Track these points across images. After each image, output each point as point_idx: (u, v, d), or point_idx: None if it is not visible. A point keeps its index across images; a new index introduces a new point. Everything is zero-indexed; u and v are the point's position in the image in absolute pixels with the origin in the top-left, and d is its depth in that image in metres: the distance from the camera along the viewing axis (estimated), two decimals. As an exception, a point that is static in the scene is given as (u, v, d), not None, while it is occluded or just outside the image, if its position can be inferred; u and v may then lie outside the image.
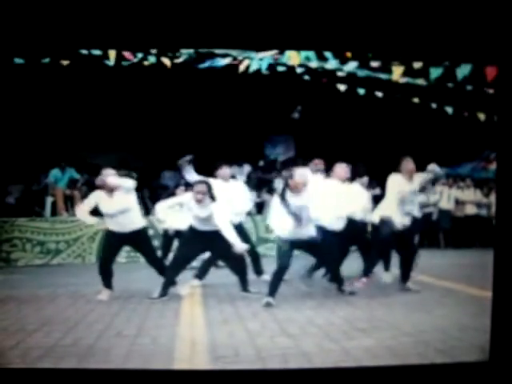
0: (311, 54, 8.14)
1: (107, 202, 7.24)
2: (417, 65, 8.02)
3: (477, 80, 7.92)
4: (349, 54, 8.02)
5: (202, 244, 7.18)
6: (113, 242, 7.41)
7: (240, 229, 7.88)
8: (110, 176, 7.20)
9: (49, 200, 12.58)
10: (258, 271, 8.51)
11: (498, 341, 4.06)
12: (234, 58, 8.54)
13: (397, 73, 8.06)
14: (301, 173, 6.89)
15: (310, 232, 6.86)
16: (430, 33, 4.32)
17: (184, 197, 7.44)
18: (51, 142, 14.51)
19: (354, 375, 4.27)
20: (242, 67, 8.54)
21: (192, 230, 7.24)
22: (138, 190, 12.45)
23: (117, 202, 7.20)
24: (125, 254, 10.88)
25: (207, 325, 5.82)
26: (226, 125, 15.57)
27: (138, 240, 7.49)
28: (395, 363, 4.43)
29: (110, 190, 7.21)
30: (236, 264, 7.21)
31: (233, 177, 9.09)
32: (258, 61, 8.43)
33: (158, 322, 5.91)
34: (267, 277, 7.75)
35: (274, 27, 4.41)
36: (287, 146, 17.18)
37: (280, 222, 6.81)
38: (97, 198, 7.35)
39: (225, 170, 8.49)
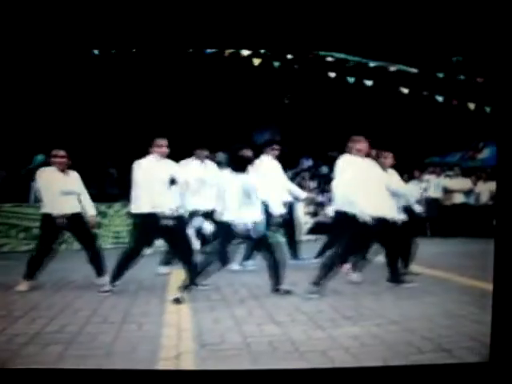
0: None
1: (60, 180, 7.09)
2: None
3: (468, 70, 7.94)
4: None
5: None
6: (53, 227, 7.01)
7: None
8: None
9: (34, 186, 12.48)
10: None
11: (498, 341, 4.05)
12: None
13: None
14: None
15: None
16: (429, 32, 4.31)
17: None
18: (35, 128, 14.42)
19: (349, 374, 4.26)
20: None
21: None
22: (123, 176, 12.41)
23: (72, 181, 7.21)
24: (110, 240, 10.86)
25: (193, 312, 5.80)
26: (214, 113, 15.54)
27: (81, 223, 7.25)
28: (382, 351, 4.43)
29: (65, 168, 7.13)
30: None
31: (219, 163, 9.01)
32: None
33: (144, 309, 5.88)
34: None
35: (271, 25, 4.38)
36: (273, 134, 17.21)
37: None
38: (45, 174, 7.17)
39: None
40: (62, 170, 7.13)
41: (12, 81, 12.48)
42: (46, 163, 7.53)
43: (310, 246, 9.54)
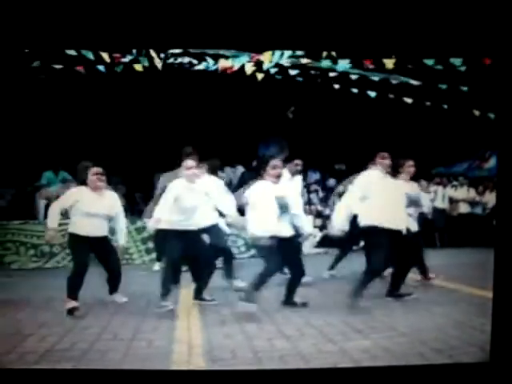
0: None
1: (95, 201, 6.77)
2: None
3: (472, 79, 7.94)
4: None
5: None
6: (84, 247, 6.76)
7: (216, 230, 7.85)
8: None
9: (42, 203, 12.50)
10: (229, 275, 8.02)
11: (498, 341, 4.05)
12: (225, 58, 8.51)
13: (389, 64, 8.02)
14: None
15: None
16: (427, 30, 4.32)
17: None
18: (43, 144, 14.46)
19: (353, 375, 4.26)
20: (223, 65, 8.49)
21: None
22: (131, 194, 12.45)
23: (107, 204, 6.89)
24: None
25: (204, 327, 5.80)
26: (219, 126, 15.56)
27: (107, 246, 6.97)
28: (393, 363, 4.42)
29: (101, 188, 6.84)
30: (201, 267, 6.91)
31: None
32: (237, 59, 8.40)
33: (154, 325, 5.87)
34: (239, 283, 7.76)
35: (268, 27, 4.40)
36: (281, 147, 17.18)
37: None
38: (78, 194, 6.83)
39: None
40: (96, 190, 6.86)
41: (19, 96, 12.54)
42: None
43: (319, 259, 9.52)
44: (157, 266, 10.66)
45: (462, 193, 14.53)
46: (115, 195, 7.12)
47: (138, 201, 13.39)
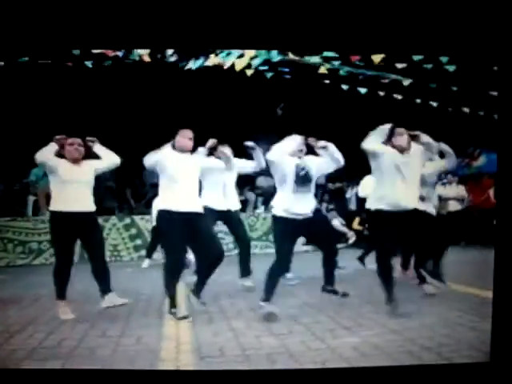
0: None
1: (72, 169, 6.38)
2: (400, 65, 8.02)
3: (462, 77, 7.94)
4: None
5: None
6: (67, 229, 6.23)
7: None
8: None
9: (30, 199, 12.46)
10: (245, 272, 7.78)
11: (499, 341, 4.05)
12: (216, 54, 8.47)
13: (376, 60, 8.00)
14: None
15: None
16: (416, 27, 4.32)
17: None
18: (31, 141, 14.38)
19: (354, 375, 4.26)
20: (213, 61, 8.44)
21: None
22: (122, 189, 12.41)
23: (86, 170, 6.47)
24: (108, 253, 10.77)
25: (192, 324, 5.78)
26: (208, 123, 15.54)
27: (94, 227, 6.49)
28: (382, 361, 4.42)
29: (79, 159, 6.46)
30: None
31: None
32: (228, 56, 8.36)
33: (142, 322, 5.86)
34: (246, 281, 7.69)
35: (257, 25, 4.39)
36: (270, 144, 17.18)
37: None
38: (55, 163, 6.40)
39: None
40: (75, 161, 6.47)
41: (5, 93, 12.47)
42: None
43: (307, 257, 9.50)
44: (145, 264, 10.66)
45: (452, 191, 14.54)
46: (92, 161, 6.64)
47: (127, 197, 13.36)
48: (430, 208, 7.18)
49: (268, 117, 16.31)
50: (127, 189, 14.40)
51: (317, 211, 6.39)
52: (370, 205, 6.26)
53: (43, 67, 8.52)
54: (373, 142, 6.14)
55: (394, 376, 4.17)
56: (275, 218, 6.18)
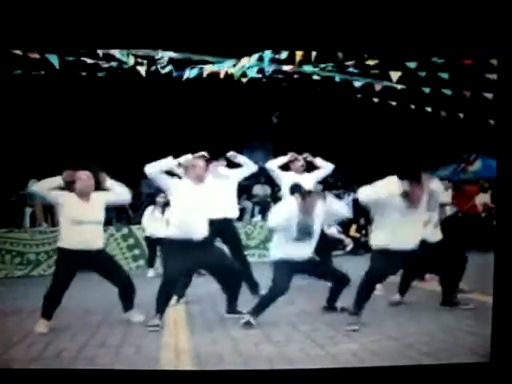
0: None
1: (81, 206, 6.20)
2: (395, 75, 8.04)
3: (457, 82, 7.96)
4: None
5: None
6: (69, 264, 6.16)
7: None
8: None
9: (28, 211, 12.48)
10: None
11: (498, 342, 4.07)
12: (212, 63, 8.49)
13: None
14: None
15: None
16: (410, 30, 4.35)
17: None
18: (28, 153, 14.41)
19: (355, 375, 4.28)
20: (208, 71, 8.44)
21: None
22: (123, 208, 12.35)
23: (95, 207, 6.29)
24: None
25: (191, 333, 5.80)
26: (203, 131, 15.56)
27: (106, 261, 6.45)
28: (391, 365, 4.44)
29: (88, 193, 6.26)
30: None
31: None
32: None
33: (141, 331, 5.86)
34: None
35: (251, 32, 4.42)
36: (265, 152, 17.21)
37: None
38: (62, 198, 6.21)
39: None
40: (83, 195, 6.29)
41: (3, 104, 12.49)
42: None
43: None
44: (150, 273, 10.67)
45: (448, 196, 14.54)
46: (101, 194, 6.43)
47: (125, 207, 13.35)
48: (430, 235, 6.94)
49: (263, 125, 16.35)
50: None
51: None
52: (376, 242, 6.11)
53: (40, 79, 8.53)
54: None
55: (394, 375, 4.19)
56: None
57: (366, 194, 6.01)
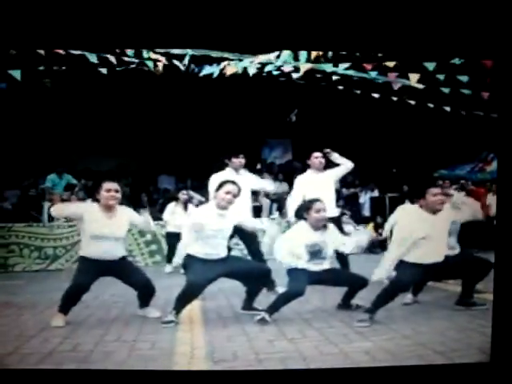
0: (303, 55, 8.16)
1: (103, 223, 6.15)
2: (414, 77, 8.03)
3: (475, 82, 7.93)
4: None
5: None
6: (91, 271, 6.13)
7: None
8: None
9: (46, 205, 12.58)
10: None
11: (499, 341, 4.07)
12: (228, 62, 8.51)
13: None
14: None
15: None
16: (428, 31, 4.34)
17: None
18: (48, 148, 14.54)
19: (354, 376, 4.28)
20: (230, 71, 8.46)
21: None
22: (137, 194, 12.49)
23: (117, 224, 6.23)
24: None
25: (206, 329, 5.83)
26: (222, 129, 15.59)
27: (126, 267, 6.43)
28: (395, 365, 4.44)
29: (113, 207, 6.19)
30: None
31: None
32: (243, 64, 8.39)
33: (156, 327, 5.90)
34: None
35: (271, 29, 4.43)
36: (284, 150, 17.26)
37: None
38: (86, 211, 6.22)
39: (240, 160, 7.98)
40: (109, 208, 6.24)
41: (23, 100, 12.60)
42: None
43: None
44: (168, 269, 10.73)
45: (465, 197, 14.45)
46: (127, 211, 6.46)
47: (143, 204, 13.41)
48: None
49: (282, 123, 16.35)
50: (142, 195, 14.50)
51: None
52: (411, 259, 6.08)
53: (59, 74, 8.60)
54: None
55: (395, 375, 4.20)
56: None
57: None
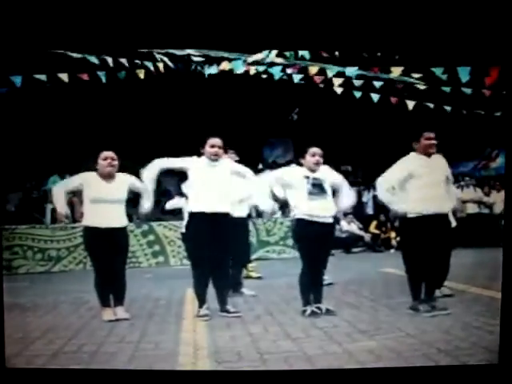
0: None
1: (103, 186, 6.30)
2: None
3: (477, 81, 7.93)
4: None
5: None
6: (101, 245, 6.21)
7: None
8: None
9: (49, 207, 12.57)
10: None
11: (507, 343, 4.05)
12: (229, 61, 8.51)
13: (396, 72, 8.03)
14: None
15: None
16: (431, 35, 4.33)
17: None
18: (50, 150, 14.53)
19: (359, 376, 4.28)
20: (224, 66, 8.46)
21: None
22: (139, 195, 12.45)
23: (117, 187, 6.36)
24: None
25: (210, 329, 5.81)
26: (223, 128, 15.57)
27: (121, 240, 6.42)
28: (399, 365, 4.43)
29: (112, 174, 6.34)
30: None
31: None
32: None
33: (160, 328, 5.89)
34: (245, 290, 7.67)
35: (271, 28, 4.42)
36: (285, 149, 17.21)
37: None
38: (84, 178, 6.37)
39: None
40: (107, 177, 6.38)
41: (24, 102, 12.60)
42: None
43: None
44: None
45: (469, 193, 14.47)
46: (127, 177, 6.55)
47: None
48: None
49: (283, 122, 16.33)
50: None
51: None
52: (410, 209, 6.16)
53: (59, 78, 8.61)
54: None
55: (400, 377, 4.19)
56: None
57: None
